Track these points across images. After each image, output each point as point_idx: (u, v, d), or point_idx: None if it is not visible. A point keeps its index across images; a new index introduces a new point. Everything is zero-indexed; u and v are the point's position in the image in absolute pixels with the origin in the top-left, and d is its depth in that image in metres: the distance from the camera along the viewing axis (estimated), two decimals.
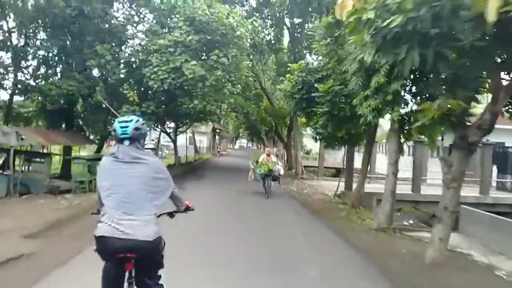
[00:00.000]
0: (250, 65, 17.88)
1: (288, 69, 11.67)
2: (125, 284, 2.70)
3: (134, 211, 2.60)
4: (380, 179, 21.49)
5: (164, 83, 13.47)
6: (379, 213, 9.28)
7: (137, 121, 2.81)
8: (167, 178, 2.88)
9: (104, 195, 2.68)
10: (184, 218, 6.94)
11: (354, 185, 15.40)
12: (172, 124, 26.13)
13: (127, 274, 2.69)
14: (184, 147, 30.23)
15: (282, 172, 12.73)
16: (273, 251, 6.57)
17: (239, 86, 15.36)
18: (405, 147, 30.53)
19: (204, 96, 14.06)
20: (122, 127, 2.75)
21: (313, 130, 18.12)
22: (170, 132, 26.59)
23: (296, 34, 25.07)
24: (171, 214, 3.31)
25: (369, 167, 22.16)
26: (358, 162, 23.33)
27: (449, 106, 5.90)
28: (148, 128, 19.45)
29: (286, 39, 25.91)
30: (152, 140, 23.71)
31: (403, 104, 8.85)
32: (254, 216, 9.74)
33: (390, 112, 8.79)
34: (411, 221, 22.85)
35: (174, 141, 26.79)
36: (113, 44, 15.16)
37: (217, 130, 49.12)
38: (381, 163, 25.60)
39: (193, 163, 28.18)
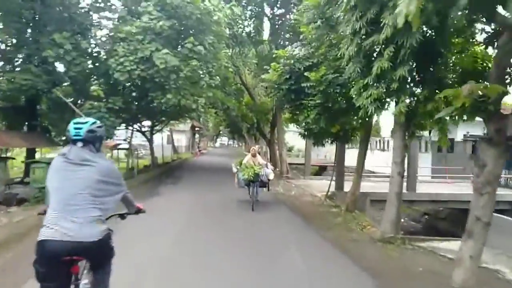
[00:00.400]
0: (229, 54, 16.31)
1: (274, 55, 10.23)
2: (72, 286, 2.72)
3: (77, 213, 2.57)
4: (368, 176, 20.44)
5: (132, 75, 11.83)
6: (383, 219, 8.02)
7: (93, 123, 2.83)
8: (117, 182, 2.87)
9: (49, 196, 2.66)
10: (153, 237, 6.04)
11: (345, 185, 14.27)
12: (148, 123, 24.53)
13: (73, 277, 2.73)
14: (162, 147, 28.56)
15: (272, 176, 10.28)
16: (266, 276, 5.18)
17: (217, 78, 13.82)
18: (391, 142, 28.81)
19: (178, 90, 12.46)
20: (75, 128, 2.75)
21: (298, 127, 16.78)
22: (145, 131, 24.89)
23: (277, 26, 23.85)
24: (122, 216, 3.31)
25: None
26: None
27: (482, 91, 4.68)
28: (118, 127, 17.78)
29: (266, 33, 24.64)
30: (124, 140, 21.94)
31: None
32: (239, 235, 8.31)
33: (395, 102, 7.56)
34: (402, 220, 21.96)
35: (150, 141, 25.13)
36: (77, 32, 13.40)
37: (197, 128, 47.44)
38: (368, 159, 24.49)
39: (171, 163, 26.51)
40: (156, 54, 11.44)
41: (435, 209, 19.30)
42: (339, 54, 8.66)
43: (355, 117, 9.32)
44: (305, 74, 9.05)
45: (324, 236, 7.98)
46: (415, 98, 7.68)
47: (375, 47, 7.38)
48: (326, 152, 36.88)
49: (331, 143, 12.43)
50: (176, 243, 6.67)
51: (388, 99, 7.85)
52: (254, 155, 10.35)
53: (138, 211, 3.32)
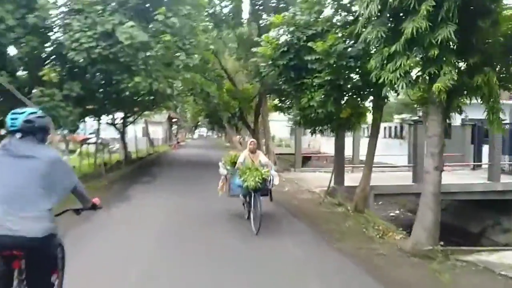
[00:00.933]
0: (209, 27, 14.01)
1: (269, 22, 8.27)
2: (15, 282, 2.60)
3: (23, 207, 2.48)
4: (358, 167, 18.70)
5: (91, 54, 9.62)
6: (415, 227, 6.31)
7: (32, 113, 2.73)
8: (66, 174, 2.78)
9: None
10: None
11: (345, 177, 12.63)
12: (121, 114, 22.23)
13: (16, 272, 2.59)
14: (138, 140, 26.30)
15: (277, 181, 7.30)
16: None
17: (196, 56, 11.70)
18: (381, 128, 27.27)
19: (149, 71, 10.31)
20: (11, 119, 2.67)
21: (287, 114, 14.98)
22: (117, 124, 22.55)
23: (257, 7, 21.88)
24: (77, 211, 3.08)
25: (352, 154, 19.60)
26: (326, 148, 20.38)
27: None
28: (82, 119, 15.54)
29: (246, 15, 22.62)
30: (91, 133, 19.69)
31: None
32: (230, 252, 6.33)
33: (429, 75, 5.80)
34: (397, 212, 20.58)
35: (122, 133, 22.85)
36: (23, 5, 11.01)
37: (174, 119, 45.10)
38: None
39: (146, 158, 24.29)
40: (119, 28, 9.28)
41: None
42: (353, 16, 6.88)
43: (371, 98, 7.55)
44: (309, 44, 7.15)
45: (340, 250, 6.23)
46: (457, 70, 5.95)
47: (407, 1, 5.60)
48: (309, 141, 35.39)
49: (332, 131, 10.70)
50: None
51: (420, 72, 6.15)
52: (253, 151, 7.44)
53: (94, 206, 3.10)
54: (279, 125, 38.85)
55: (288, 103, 11.67)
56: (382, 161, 21.83)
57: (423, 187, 6.32)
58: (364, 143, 21.61)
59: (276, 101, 21.91)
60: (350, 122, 8.13)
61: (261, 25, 21.42)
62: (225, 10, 21.16)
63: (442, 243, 6.03)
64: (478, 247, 6.77)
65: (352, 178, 12.81)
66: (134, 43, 9.34)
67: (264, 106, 19.42)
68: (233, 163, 7.67)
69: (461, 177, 15.44)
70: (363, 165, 18.39)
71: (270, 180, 6.94)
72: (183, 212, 8.65)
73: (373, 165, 18.68)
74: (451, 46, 5.59)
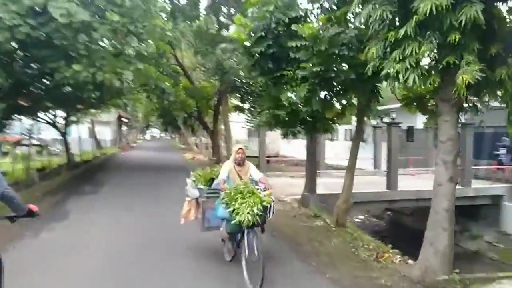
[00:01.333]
0: (166, 10, 12.18)
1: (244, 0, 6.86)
2: None
3: None
4: (332, 173, 17.78)
5: (16, 35, 7.69)
6: (424, 251, 5.22)
7: None
8: None
9: None
10: None
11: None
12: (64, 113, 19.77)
13: None
14: (83, 142, 23.77)
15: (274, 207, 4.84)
16: None
17: (150, 43, 9.93)
18: (342, 130, 26.50)
19: (92, 59, 8.46)
20: None
21: (248, 114, 13.74)
22: (56, 123, 20.01)
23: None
24: (11, 219, 2.87)
25: (319, 159, 18.67)
26: (285, 150, 19.09)
27: None
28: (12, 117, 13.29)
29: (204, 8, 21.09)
30: (22, 133, 17.23)
31: None
32: None
33: (444, 64, 4.74)
34: (362, 217, 19.92)
35: (64, 134, 20.33)
36: None
37: (124, 120, 42.25)
38: (330, 152, 21.99)
39: (92, 161, 21.87)
40: (52, 3, 7.45)
41: (400, 205, 17.63)
42: None
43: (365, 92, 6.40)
44: (293, 27, 5.86)
45: (335, 282, 5.01)
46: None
47: None
48: (268, 143, 34.34)
49: (307, 133, 9.58)
50: None
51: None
52: (241, 163, 5.07)
53: (31, 213, 2.89)
54: (236, 126, 37.61)
55: (251, 102, 10.28)
56: (343, 164, 21.20)
57: (433, 201, 5.27)
58: (328, 145, 20.80)
59: (236, 101, 20.68)
60: (336, 122, 6.95)
61: (220, 18, 20.09)
62: (182, 1, 19.60)
63: (457, 270, 4.99)
64: (498, 273, 5.76)
65: (321, 184, 11.77)
66: (73, 22, 7.53)
67: (225, 105, 18.00)
68: (210, 180, 5.49)
69: (429, 182, 14.97)
70: (331, 170, 17.64)
71: (271, 206, 4.72)
72: (137, 243, 6.38)
73: (336, 170, 17.85)
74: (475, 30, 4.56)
